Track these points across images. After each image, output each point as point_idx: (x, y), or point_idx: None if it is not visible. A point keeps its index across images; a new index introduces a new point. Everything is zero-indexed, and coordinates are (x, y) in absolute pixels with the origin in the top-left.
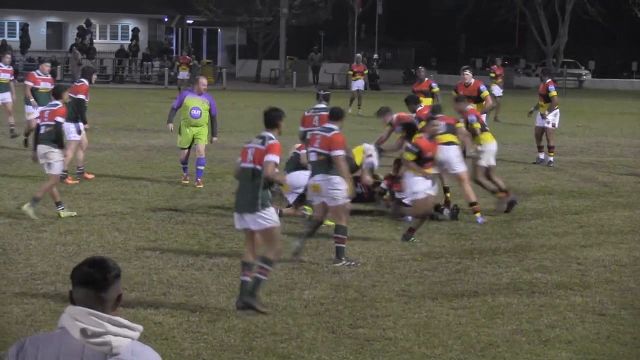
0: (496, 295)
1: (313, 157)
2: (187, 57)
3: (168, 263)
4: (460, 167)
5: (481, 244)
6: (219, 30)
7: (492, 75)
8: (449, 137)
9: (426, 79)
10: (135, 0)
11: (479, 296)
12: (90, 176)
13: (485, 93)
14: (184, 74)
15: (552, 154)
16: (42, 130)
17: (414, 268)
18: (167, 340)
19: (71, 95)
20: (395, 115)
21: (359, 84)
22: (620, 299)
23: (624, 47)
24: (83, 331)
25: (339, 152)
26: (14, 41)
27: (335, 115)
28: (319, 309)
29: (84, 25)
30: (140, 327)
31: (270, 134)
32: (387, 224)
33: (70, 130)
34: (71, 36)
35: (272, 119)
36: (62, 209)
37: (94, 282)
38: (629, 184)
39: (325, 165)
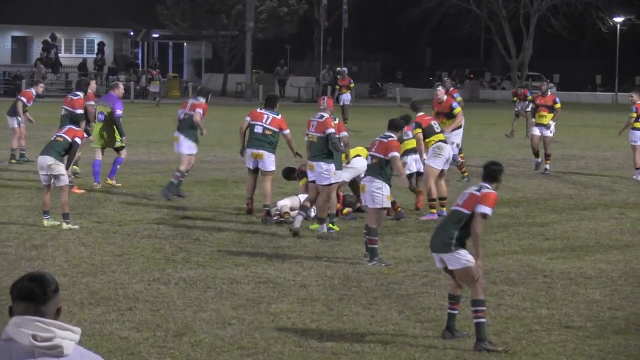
0: (463, 308)
1: (369, 160)
2: (154, 71)
3: (134, 277)
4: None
5: None
6: (185, 44)
7: (515, 99)
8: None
9: (452, 87)
10: (101, 14)
11: (445, 309)
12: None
13: (457, 110)
14: (155, 87)
15: (548, 162)
16: (52, 138)
17: (380, 281)
18: (133, 356)
19: (67, 108)
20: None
21: (345, 97)
22: (585, 311)
23: (588, 60)
24: (34, 337)
25: (395, 153)
26: None
27: (395, 125)
28: (286, 323)
29: (49, 39)
30: (80, 330)
31: (488, 185)
32: (355, 238)
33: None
34: (36, 50)
35: (492, 173)
36: (48, 218)
37: (34, 296)
38: (593, 196)
39: (376, 169)
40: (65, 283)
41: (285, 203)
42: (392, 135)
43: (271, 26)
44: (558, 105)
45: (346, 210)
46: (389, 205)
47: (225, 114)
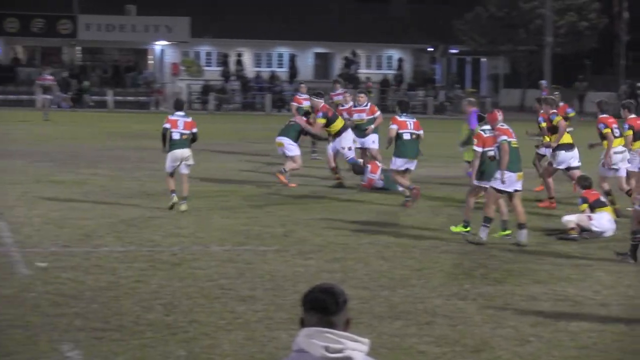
0: None
1: None
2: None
3: (432, 292)
4: None
5: None
6: (483, 59)
7: None
8: None
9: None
10: (401, 31)
11: None
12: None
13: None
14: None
15: None
16: (179, 137)
17: None
18: None
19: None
20: None
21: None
22: None
23: None
24: (326, 348)
25: None
26: (283, 71)
27: None
28: (586, 342)
29: (350, 56)
30: (368, 341)
31: None
32: None
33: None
34: (337, 66)
35: None
36: (184, 203)
37: (326, 307)
38: None
39: None
40: (365, 296)
41: (570, 219)
42: None
43: (570, 41)
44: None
45: None
46: None
47: (523, 129)
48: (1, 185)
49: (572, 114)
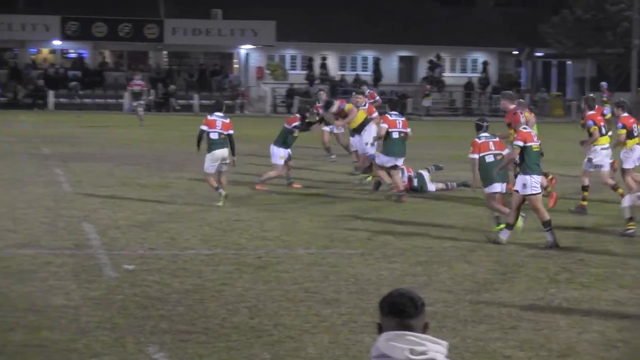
0: None
1: None
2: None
3: (517, 296)
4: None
5: None
6: (569, 62)
7: None
8: None
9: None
10: (486, 34)
11: None
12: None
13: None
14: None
15: None
16: (218, 137)
17: None
18: None
19: (286, 126)
20: None
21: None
22: None
23: None
24: (410, 351)
25: None
26: (367, 75)
27: None
28: None
29: (435, 59)
30: (447, 343)
31: None
32: None
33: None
34: (422, 69)
35: None
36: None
37: (405, 310)
38: None
39: None
40: (449, 300)
41: (624, 203)
42: None
43: None
44: None
45: None
46: None
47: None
48: (88, 188)
49: (608, 115)
